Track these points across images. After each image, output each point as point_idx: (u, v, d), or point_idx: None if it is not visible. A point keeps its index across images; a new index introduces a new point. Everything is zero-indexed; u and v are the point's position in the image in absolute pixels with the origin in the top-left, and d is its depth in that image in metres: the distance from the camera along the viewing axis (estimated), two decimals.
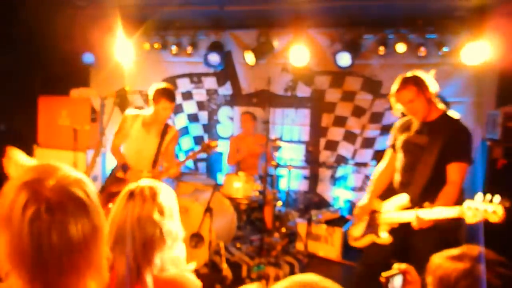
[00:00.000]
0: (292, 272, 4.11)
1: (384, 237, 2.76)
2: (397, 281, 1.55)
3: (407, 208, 2.63)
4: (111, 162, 5.96)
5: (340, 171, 5.53)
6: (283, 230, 4.83)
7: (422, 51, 4.75)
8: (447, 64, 4.86)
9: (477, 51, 4.46)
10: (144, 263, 1.35)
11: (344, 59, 4.99)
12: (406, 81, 2.65)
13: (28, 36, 5.16)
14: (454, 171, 2.56)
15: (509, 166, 3.83)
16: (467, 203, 2.28)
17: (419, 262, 2.62)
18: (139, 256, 1.35)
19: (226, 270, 3.88)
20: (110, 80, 5.77)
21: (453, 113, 2.73)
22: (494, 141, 3.94)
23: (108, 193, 3.43)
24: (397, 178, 2.85)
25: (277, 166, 4.70)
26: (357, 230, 3.01)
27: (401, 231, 2.70)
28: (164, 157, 3.82)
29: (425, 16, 4.65)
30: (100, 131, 5.47)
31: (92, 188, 0.95)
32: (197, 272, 3.97)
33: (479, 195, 2.27)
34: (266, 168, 4.37)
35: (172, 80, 6.11)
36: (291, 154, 5.44)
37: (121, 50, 5.86)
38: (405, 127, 2.86)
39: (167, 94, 3.60)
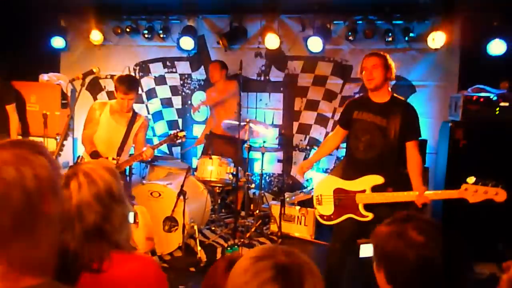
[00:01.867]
0: None
1: (368, 215, 2.92)
2: (369, 249, 1.62)
3: (381, 187, 2.87)
4: (81, 148, 5.92)
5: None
6: (257, 212, 4.94)
7: (390, 36, 4.89)
8: (413, 49, 5.03)
9: (441, 36, 4.64)
10: (91, 249, 1.29)
11: (316, 44, 5.09)
12: (379, 52, 3.02)
13: None
14: (414, 147, 2.94)
15: (469, 146, 4.02)
16: (465, 185, 2.60)
17: None
18: (84, 243, 1.29)
19: (200, 253, 3.96)
20: (81, 65, 5.68)
21: (399, 96, 3.05)
22: (456, 123, 4.13)
23: None
24: (359, 155, 3.00)
25: (250, 149, 4.78)
26: (326, 209, 3.11)
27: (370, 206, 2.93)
28: (135, 146, 3.88)
29: (392, 3, 4.77)
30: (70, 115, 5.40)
31: (45, 171, 0.90)
32: (171, 256, 4.03)
33: (471, 178, 2.59)
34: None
35: (144, 64, 6.07)
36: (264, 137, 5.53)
37: (92, 34, 5.78)
38: (360, 106, 3.05)
39: (123, 84, 3.61)
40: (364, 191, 2.92)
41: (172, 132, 3.90)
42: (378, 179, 2.88)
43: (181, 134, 3.80)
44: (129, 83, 3.65)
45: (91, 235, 1.30)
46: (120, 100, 3.65)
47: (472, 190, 2.55)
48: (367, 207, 2.92)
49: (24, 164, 0.88)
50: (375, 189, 2.90)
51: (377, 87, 2.94)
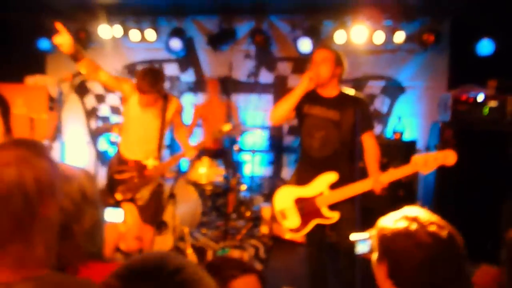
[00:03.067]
0: (257, 254, 4.21)
1: (334, 215, 2.83)
2: (365, 245, 1.60)
3: (338, 183, 2.77)
4: (70, 151, 5.84)
5: None
6: (248, 214, 4.91)
7: (379, 37, 4.89)
8: (402, 50, 5.04)
9: (429, 36, 4.67)
10: (58, 249, 1.20)
11: (305, 45, 5.09)
12: (330, 49, 2.90)
13: None
14: (371, 138, 2.87)
15: (459, 146, 4.04)
16: (414, 158, 2.52)
17: (347, 228, 2.79)
18: (57, 245, 1.19)
19: (191, 255, 3.92)
20: (68, 67, 5.58)
21: (348, 90, 2.93)
22: (445, 123, 4.14)
23: (112, 181, 3.18)
24: (314, 154, 2.89)
25: (240, 151, 4.75)
26: (292, 222, 2.97)
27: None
28: (175, 130, 3.46)
29: (381, 3, 4.78)
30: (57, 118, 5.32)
31: (46, 174, 0.92)
32: None
33: (419, 151, 2.50)
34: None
35: (132, 66, 6.01)
36: (254, 139, 5.51)
37: (80, 35, 5.70)
38: (310, 99, 2.89)
39: (142, 80, 3.00)
40: (322, 193, 2.83)
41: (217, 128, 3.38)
42: (332, 177, 2.80)
43: (226, 128, 3.33)
44: (149, 81, 3.01)
45: (58, 234, 1.19)
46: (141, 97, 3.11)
47: (422, 161, 2.47)
48: (331, 207, 2.83)
49: (26, 167, 0.89)
50: (333, 187, 2.80)
51: (323, 82, 2.80)
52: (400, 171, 2.61)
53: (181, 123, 3.47)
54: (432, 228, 1.20)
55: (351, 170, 2.86)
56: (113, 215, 1.61)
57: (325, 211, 2.84)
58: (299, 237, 4.61)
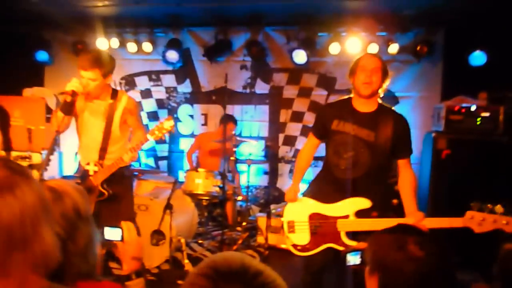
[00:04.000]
0: None
1: (352, 244, 2.52)
2: (355, 257, 1.62)
3: (365, 211, 2.51)
4: (68, 162, 5.85)
5: None
6: (244, 224, 4.93)
7: (373, 48, 4.96)
8: (396, 61, 5.10)
9: (423, 47, 4.74)
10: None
11: (300, 56, 5.16)
12: (379, 56, 2.66)
13: None
14: (407, 165, 2.59)
15: (452, 156, 4.09)
16: (470, 213, 2.26)
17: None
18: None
19: (188, 266, 3.93)
20: (66, 79, 5.60)
21: (388, 105, 2.62)
22: (439, 133, 4.19)
23: None
24: (339, 175, 2.58)
25: (237, 161, 4.78)
26: (301, 238, 2.67)
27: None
28: (132, 134, 3.12)
29: (375, 14, 4.86)
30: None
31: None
32: (159, 269, 4.00)
33: (475, 204, 2.27)
34: (230, 162, 4.40)
35: (130, 78, 6.05)
36: (250, 149, 5.54)
37: (77, 47, 5.76)
38: (341, 114, 2.56)
39: (83, 56, 2.83)
40: (347, 216, 2.53)
41: (157, 123, 2.84)
42: (364, 203, 2.49)
43: (167, 125, 2.79)
44: (91, 56, 2.78)
45: None
46: (81, 80, 2.78)
47: (479, 219, 2.21)
48: (350, 235, 2.54)
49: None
50: (359, 214, 2.52)
51: (373, 94, 2.47)
52: (448, 222, 2.34)
53: (137, 125, 3.08)
54: (424, 242, 1.22)
55: (382, 198, 2.57)
56: (111, 234, 1.60)
57: (343, 237, 2.55)
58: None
